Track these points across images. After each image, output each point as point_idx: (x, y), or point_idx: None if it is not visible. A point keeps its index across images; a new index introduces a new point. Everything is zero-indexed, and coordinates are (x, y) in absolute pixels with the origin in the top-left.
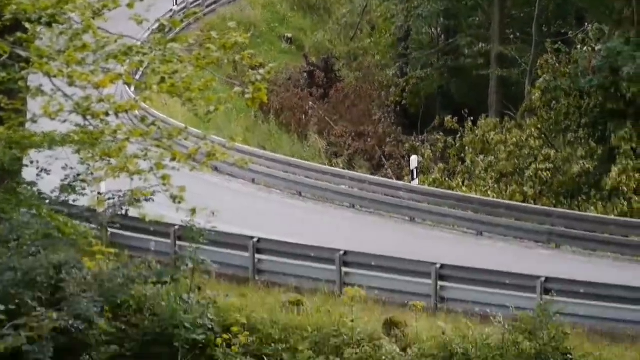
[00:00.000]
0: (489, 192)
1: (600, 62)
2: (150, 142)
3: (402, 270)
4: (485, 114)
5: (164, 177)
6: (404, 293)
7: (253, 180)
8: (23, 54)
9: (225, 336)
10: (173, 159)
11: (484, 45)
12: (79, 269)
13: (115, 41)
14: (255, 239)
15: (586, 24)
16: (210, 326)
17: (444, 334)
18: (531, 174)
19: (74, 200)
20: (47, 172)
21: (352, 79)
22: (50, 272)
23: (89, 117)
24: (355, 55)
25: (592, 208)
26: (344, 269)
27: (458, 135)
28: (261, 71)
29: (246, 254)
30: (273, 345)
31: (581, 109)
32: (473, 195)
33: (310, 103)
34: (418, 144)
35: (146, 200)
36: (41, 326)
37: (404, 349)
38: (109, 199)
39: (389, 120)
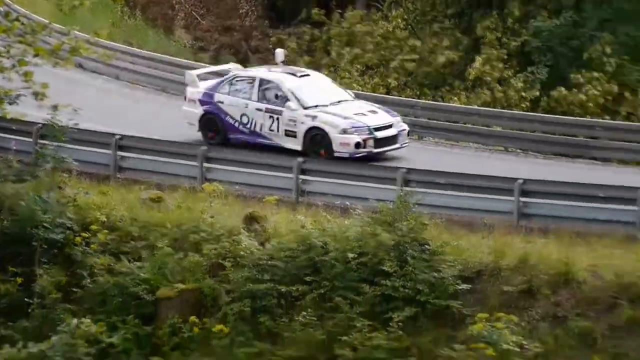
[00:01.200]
0: (354, 84)
1: None
2: (13, 39)
3: (266, 165)
4: (353, 6)
5: (26, 74)
6: (267, 187)
7: (117, 77)
8: None
9: (84, 234)
10: (36, 55)
11: None
12: None
13: None
14: (117, 136)
15: None
16: (69, 225)
17: (303, 227)
18: (397, 65)
19: None
20: None
21: None
22: None
23: None
24: None
25: (456, 99)
26: (206, 165)
27: (325, 28)
28: None
29: (108, 152)
30: (132, 242)
31: None
32: None
33: None
34: (285, 37)
35: (9, 101)
36: None
37: (262, 243)
38: None
39: (256, 13)
